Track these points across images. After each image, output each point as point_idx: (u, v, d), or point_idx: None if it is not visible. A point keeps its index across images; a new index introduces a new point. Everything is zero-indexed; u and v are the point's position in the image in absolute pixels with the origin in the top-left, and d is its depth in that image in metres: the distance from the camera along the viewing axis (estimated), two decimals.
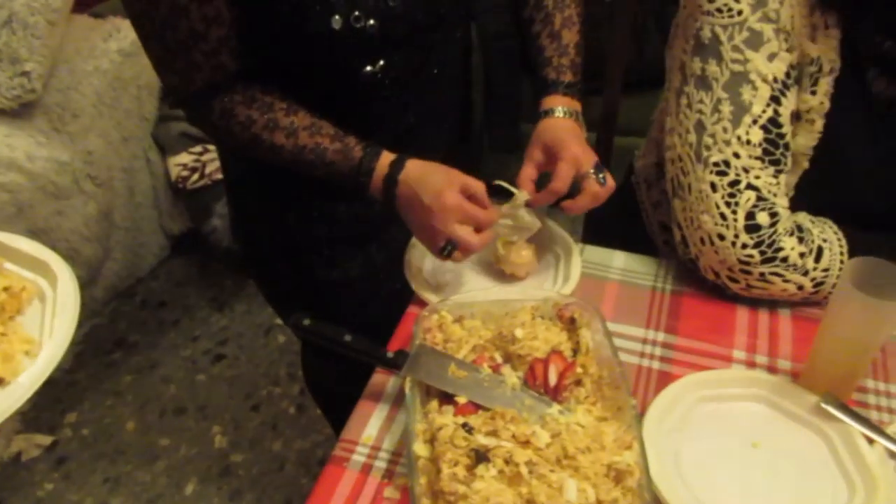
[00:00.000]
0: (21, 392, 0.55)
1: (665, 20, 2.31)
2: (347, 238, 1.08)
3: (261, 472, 1.86)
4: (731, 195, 0.89)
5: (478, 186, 0.87)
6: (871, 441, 0.74)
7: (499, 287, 0.95)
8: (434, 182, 0.85)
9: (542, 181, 0.92)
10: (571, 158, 0.89)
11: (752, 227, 0.88)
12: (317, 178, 0.90)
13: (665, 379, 0.83)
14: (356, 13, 0.82)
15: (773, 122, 0.88)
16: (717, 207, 0.89)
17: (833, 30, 0.86)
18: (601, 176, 0.89)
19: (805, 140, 0.91)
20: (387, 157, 0.88)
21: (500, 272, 0.97)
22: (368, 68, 0.88)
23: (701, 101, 0.91)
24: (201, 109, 0.89)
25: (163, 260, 2.47)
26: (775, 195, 0.90)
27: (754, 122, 0.88)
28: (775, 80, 0.87)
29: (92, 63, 2.04)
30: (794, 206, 0.93)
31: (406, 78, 0.93)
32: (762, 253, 0.88)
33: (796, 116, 0.91)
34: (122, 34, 2.12)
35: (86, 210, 2.03)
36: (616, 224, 1.16)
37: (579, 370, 0.77)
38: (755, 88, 0.87)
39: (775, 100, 0.87)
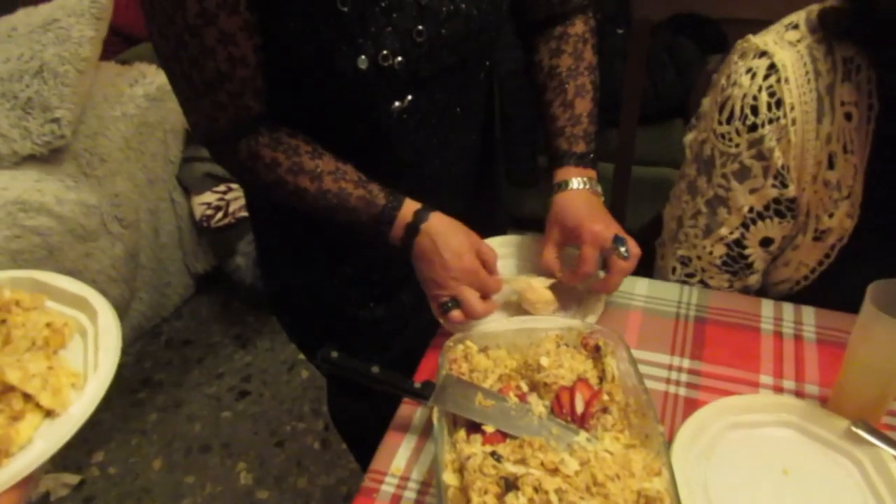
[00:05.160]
0: (73, 422, 0.57)
1: (677, 53, 2.35)
2: (377, 281, 1.09)
3: None
4: (684, 282, 1.04)
5: (491, 254, 0.91)
6: None
7: (522, 316, 0.96)
8: (456, 242, 0.88)
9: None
10: (592, 239, 0.90)
11: None
12: (337, 223, 0.92)
13: (692, 405, 0.83)
14: (384, 52, 0.84)
15: (738, 243, 0.98)
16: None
17: (851, 155, 0.88)
18: (623, 250, 0.90)
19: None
20: (410, 206, 0.89)
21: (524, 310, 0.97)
22: (396, 104, 0.90)
23: (686, 203, 1.02)
24: (226, 149, 0.91)
25: (187, 298, 2.50)
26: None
27: (720, 239, 0.98)
28: (751, 209, 0.94)
29: (119, 108, 2.10)
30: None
31: (431, 119, 0.95)
32: None
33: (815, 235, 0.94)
34: (147, 80, 2.18)
35: (113, 251, 2.07)
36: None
37: (605, 398, 0.77)
38: (729, 213, 0.96)
39: (745, 226, 0.96)
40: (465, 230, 0.90)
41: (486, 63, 1.01)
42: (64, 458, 2.00)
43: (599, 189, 0.96)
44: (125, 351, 2.28)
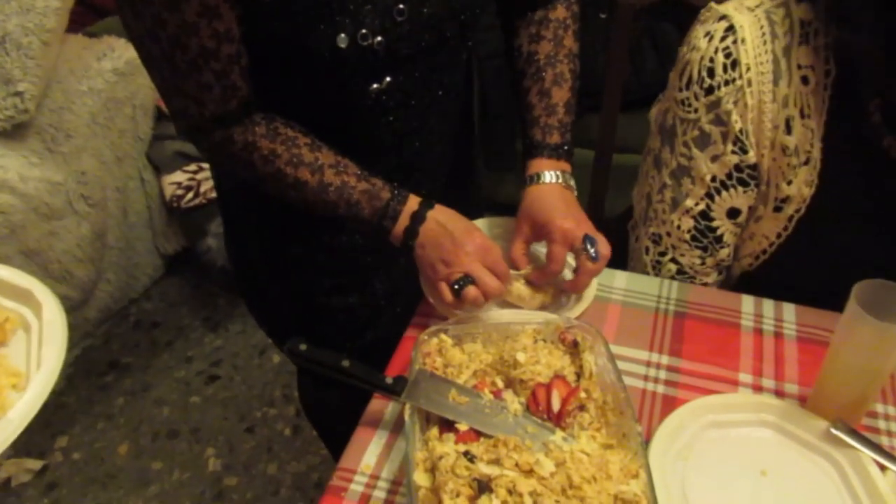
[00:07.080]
0: (11, 429, 0.53)
1: (660, 38, 2.32)
2: (350, 269, 1.06)
3: (255, 497, 1.83)
4: (657, 262, 1.03)
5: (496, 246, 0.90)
6: (882, 468, 0.72)
7: (500, 310, 0.93)
8: (463, 223, 0.87)
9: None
10: (561, 237, 0.88)
11: None
12: (336, 217, 0.89)
13: (670, 403, 0.81)
14: (363, 31, 0.80)
15: (704, 215, 0.97)
16: (646, 266, 1.04)
17: (808, 120, 0.87)
18: (593, 251, 0.87)
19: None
20: (414, 200, 0.88)
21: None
22: (375, 86, 0.86)
23: (653, 178, 1.01)
24: (215, 138, 0.86)
25: (156, 280, 2.44)
26: (697, 272, 1.02)
27: (686, 212, 0.97)
28: (713, 178, 0.93)
29: (86, 83, 2.02)
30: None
31: (411, 100, 0.92)
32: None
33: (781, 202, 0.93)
34: (116, 53, 2.10)
35: (79, 231, 2.01)
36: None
37: (583, 395, 0.75)
38: (693, 184, 0.95)
39: (710, 196, 0.95)
40: (467, 219, 0.90)
41: (468, 43, 0.98)
42: (26, 443, 1.95)
43: (573, 183, 0.94)
44: (92, 333, 2.23)
